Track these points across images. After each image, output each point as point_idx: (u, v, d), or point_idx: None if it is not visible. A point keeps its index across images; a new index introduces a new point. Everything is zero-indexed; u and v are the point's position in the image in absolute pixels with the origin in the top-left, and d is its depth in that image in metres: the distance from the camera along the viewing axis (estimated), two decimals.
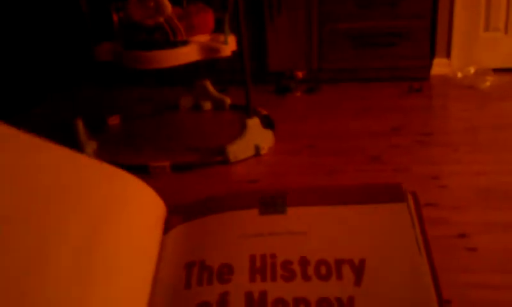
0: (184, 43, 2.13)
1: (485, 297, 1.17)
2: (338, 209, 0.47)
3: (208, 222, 0.48)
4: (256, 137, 2.17)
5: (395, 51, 3.06)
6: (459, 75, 3.04)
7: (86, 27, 2.32)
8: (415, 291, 0.40)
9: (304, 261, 0.43)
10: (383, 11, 3.00)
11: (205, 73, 2.83)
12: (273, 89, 3.05)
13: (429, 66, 3.11)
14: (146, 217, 0.50)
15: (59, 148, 0.50)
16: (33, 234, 0.40)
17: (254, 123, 2.17)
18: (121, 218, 0.47)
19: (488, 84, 2.89)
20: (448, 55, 3.17)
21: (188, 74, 2.77)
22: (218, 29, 2.27)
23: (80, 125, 2.25)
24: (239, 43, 2.16)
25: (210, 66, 2.90)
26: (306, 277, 0.42)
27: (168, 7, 2.08)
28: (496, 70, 3.00)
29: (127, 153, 2.26)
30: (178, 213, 0.51)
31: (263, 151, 2.15)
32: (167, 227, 0.50)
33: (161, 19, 2.09)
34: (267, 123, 2.41)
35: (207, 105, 2.80)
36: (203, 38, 2.22)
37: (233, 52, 2.19)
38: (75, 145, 2.22)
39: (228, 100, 2.77)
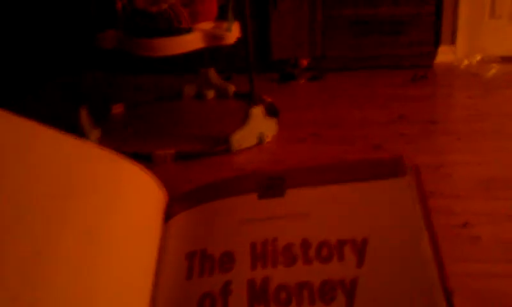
0: (188, 30, 2.12)
1: (488, 287, 1.17)
2: (338, 188, 0.47)
3: (208, 210, 0.48)
4: (260, 125, 2.16)
5: (400, 38, 3.04)
6: (464, 62, 3.02)
7: (89, 14, 2.31)
8: (417, 268, 0.39)
9: (305, 244, 0.43)
10: None
11: (208, 61, 2.82)
12: (277, 77, 3.04)
13: (433, 53, 3.10)
14: (147, 204, 0.50)
15: (61, 135, 0.50)
16: (35, 221, 0.40)
17: (258, 111, 2.16)
18: (122, 204, 0.46)
19: (493, 71, 2.87)
20: (453, 42, 3.15)
21: (192, 62, 2.77)
22: (222, 16, 2.26)
23: (84, 113, 2.25)
24: (243, 30, 2.15)
25: (213, 53, 2.89)
26: (307, 261, 0.42)
27: None
28: (502, 58, 2.98)
29: (130, 142, 2.27)
30: (179, 201, 0.51)
31: (267, 140, 2.15)
32: (168, 215, 0.50)
33: (165, 6, 2.08)
34: (271, 111, 2.41)
35: (211, 94, 2.80)
36: (207, 25, 2.21)
37: (237, 40, 2.18)
38: (79, 133, 2.22)
39: (231, 88, 2.76)
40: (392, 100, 2.55)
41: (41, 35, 3.02)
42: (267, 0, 3.04)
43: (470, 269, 1.24)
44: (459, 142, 2.03)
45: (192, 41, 2.12)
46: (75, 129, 2.19)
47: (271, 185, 0.50)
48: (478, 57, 3.03)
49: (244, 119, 2.15)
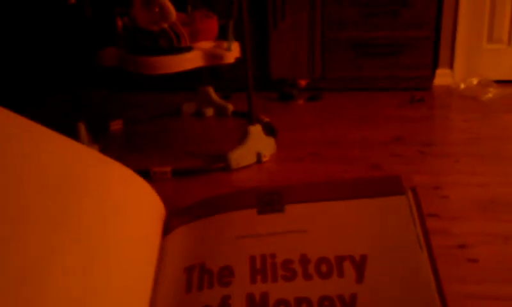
0: (188, 49, 2.14)
1: None
2: (337, 204, 0.47)
3: (208, 225, 0.48)
4: (258, 144, 2.17)
5: (398, 61, 3.06)
6: (462, 86, 3.04)
7: (89, 31, 2.33)
8: (416, 286, 0.39)
9: (304, 260, 0.43)
10: (386, 21, 3.00)
11: (208, 80, 2.84)
12: (276, 96, 3.06)
13: (431, 76, 3.12)
14: (147, 215, 0.50)
15: (66, 140, 0.50)
16: (33, 230, 0.39)
17: (256, 130, 2.17)
18: (122, 214, 0.46)
19: (490, 95, 2.89)
20: (451, 66, 3.18)
21: (191, 80, 2.78)
22: (222, 35, 2.28)
23: (83, 129, 2.25)
24: (243, 50, 2.16)
25: (213, 72, 2.91)
26: (307, 276, 0.42)
27: (173, 13, 2.09)
28: (499, 82, 3.01)
29: (128, 158, 2.27)
30: (178, 216, 0.51)
31: (265, 159, 2.15)
32: (167, 229, 0.50)
33: (166, 25, 2.10)
34: (269, 130, 2.41)
35: (209, 112, 2.80)
36: (207, 45, 2.22)
37: (237, 59, 2.20)
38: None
39: (230, 107, 2.77)
40: (389, 122, 2.57)
41: (41, 52, 3.03)
42: (267, 20, 3.07)
43: (468, 291, 1.24)
44: (457, 165, 2.04)
45: (192, 60, 2.14)
46: None
47: (270, 200, 0.50)
48: (475, 81, 3.05)
49: (242, 137, 2.15)
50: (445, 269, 1.32)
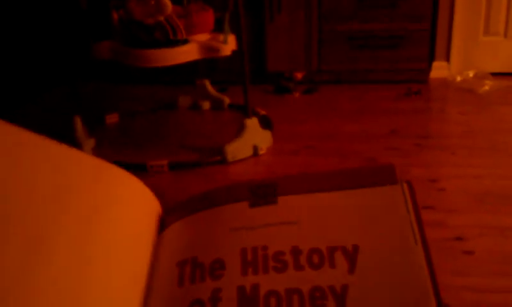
0: (184, 42, 2.13)
1: (482, 300, 1.17)
2: (330, 195, 0.47)
3: (200, 219, 0.48)
4: (255, 137, 2.16)
5: (395, 53, 3.06)
6: (458, 78, 3.04)
7: (84, 24, 2.32)
8: (409, 277, 0.39)
9: (296, 251, 0.42)
10: (382, 13, 3.00)
11: (204, 73, 2.83)
12: (272, 89, 3.06)
13: (428, 69, 3.12)
14: (140, 214, 0.50)
15: (55, 144, 0.50)
16: (28, 229, 0.39)
17: (252, 123, 2.17)
18: (115, 215, 0.46)
19: (486, 88, 2.89)
20: (447, 58, 3.18)
21: (187, 73, 2.77)
22: (218, 28, 2.27)
23: (79, 123, 2.24)
24: (239, 42, 2.16)
25: (209, 65, 2.90)
26: (298, 267, 0.42)
27: (169, 6, 2.08)
28: (495, 74, 3.01)
29: (125, 151, 2.26)
30: (172, 212, 0.51)
31: (261, 152, 2.15)
32: (162, 226, 0.50)
33: (161, 18, 2.09)
34: (266, 123, 2.41)
35: (206, 105, 2.80)
36: (203, 37, 2.22)
37: (233, 52, 2.19)
38: (73, 142, 2.21)
39: (226, 100, 2.77)
40: (386, 114, 2.57)
41: (37, 46, 3.02)
42: (264, 13, 3.06)
43: (463, 283, 1.24)
44: (453, 157, 2.04)
45: (188, 53, 2.13)
46: (69, 138, 2.18)
47: (263, 193, 0.50)
48: (472, 73, 3.05)
49: (238, 130, 2.15)
50: (441, 261, 1.32)
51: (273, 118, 2.50)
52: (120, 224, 0.47)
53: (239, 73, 2.15)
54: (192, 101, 2.83)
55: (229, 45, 2.16)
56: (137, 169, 1.99)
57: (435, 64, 3.17)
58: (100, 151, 2.24)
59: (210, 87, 2.82)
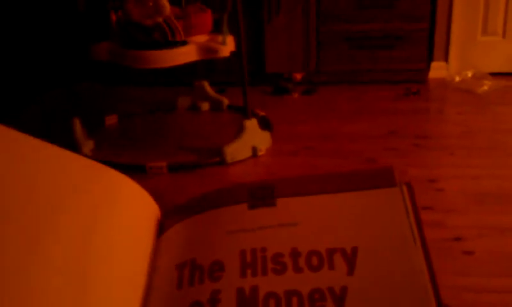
0: (183, 43, 2.13)
1: (482, 301, 1.17)
2: (329, 197, 0.47)
3: (199, 221, 0.48)
4: (254, 138, 2.16)
5: (393, 54, 3.06)
6: (457, 78, 3.05)
7: (83, 25, 2.32)
8: (408, 279, 0.39)
9: (295, 253, 0.42)
10: (381, 14, 3.00)
11: (203, 74, 2.83)
12: (271, 90, 3.06)
13: (426, 69, 3.12)
14: (138, 218, 0.50)
15: (52, 147, 0.50)
16: (25, 234, 0.39)
17: (251, 124, 2.17)
18: (113, 219, 0.46)
19: (485, 88, 2.89)
20: (446, 58, 3.18)
21: (186, 74, 2.77)
22: (216, 29, 2.27)
23: (78, 124, 2.24)
24: (237, 43, 2.16)
25: (208, 66, 2.90)
26: (297, 269, 0.42)
27: (167, 7, 2.08)
28: (494, 74, 3.01)
29: (123, 153, 2.26)
30: (171, 215, 0.51)
31: (260, 153, 2.15)
32: (161, 229, 0.50)
33: (160, 19, 2.09)
34: (265, 124, 2.41)
35: (205, 106, 2.80)
36: (202, 39, 2.22)
37: (232, 53, 2.19)
38: (73, 144, 2.21)
39: (225, 101, 2.77)
40: (384, 115, 2.57)
41: (35, 47, 3.02)
42: (262, 14, 3.06)
43: (463, 283, 1.24)
44: (452, 157, 2.05)
45: (186, 54, 2.13)
46: (69, 140, 2.18)
47: (262, 195, 0.50)
48: (470, 74, 3.05)
49: (237, 131, 2.15)
50: (441, 262, 1.32)
51: (272, 119, 2.50)
52: (118, 227, 0.47)
53: (237, 74, 2.15)
54: (191, 102, 2.83)
55: (228, 46, 2.16)
56: (136, 170, 1.99)
57: (433, 64, 3.17)
58: (99, 153, 2.24)
59: (209, 89, 2.82)
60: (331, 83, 3.14)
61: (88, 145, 2.27)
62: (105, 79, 3.29)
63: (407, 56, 3.06)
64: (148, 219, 0.50)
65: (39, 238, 0.40)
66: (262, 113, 2.57)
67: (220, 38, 2.18)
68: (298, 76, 3.12)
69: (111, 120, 2.66)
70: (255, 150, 2.14)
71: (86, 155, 2.18)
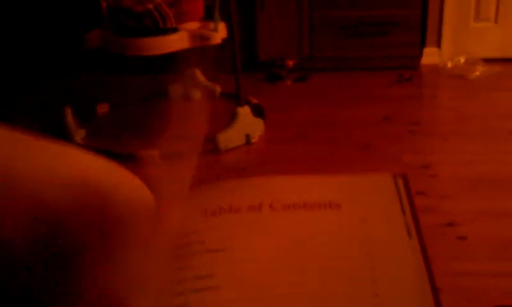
0: (174, 30, 2.11)
1: (476, 285, 1.17)
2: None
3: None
4: (247, 125, 2.16)
5: (386, 40, 3.05)
6: (449, 64, 3.04)
7: (75, 13, 2.29)
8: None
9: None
10: (374, 0, 2.99)
11: (194, 61, 2.81)
12: (264, 77, 3.04)
13: (419, 55, 3.11)
14: (133, 207, 0.50)
15: (45, 142, 0.51)
16: None
17: (244, 111, 2.16)
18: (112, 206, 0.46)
19: (477, 73, 2.89)
20: (438, 44, 3.17)
21: (178, 62, 2.75)
22: (208, 16, 2.25)
23: (69, 113, 2.22)
24: (229, 30, 2.14)
25: (200, 54, 2.88)
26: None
27: None
28: (486, 60, 3.01)
29: (115, 142, 2.24)
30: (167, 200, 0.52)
31: (253, 140, 2.15)
32: (156, 217, 0.50)
33: (150, 6, 2.07)
34: (258, 111, 2.40)
35: (197, 94, 2.78)
36: (193, 25, 2.20)
37: (223, 40, 2.18)
38: (64, 133, 2.20)
39: (218, 89, 2.75)
40: (378, 101, 2.56)
41: (26, 36, 2.99)
42: (254, 0, 3.04)
43: (456, 268, 1.25)
44: (445, 143, 2.05)
45: (178, 41, 2.11)
46: (60, 129, 2.16)
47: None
48: (463, 59, 3.05)
49: (231, 119, 2.14)
50: (435, 247, 1.32)
51: (265, 106, 2.49)
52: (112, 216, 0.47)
53: (230, 61, 2.14)
54: (183, 90, 2.81)
55: (219, 33, 2.14)
56: (127, 159, 1.97)
57: (426, 50, 3.16)
58: (90, 142, 2.23)
59: (200, 76, 2.80)
60: (324, 70, 3.12)
61: (80, 134, 2.25)
62: (96, 68, 3.26)
63: (399, 42, 3.05)
64: (142, 207, 0.51)
65: None
66: (255, 100, 2.56)
67: (212, 25, 2.16)
68: (291, 63, 3.11)
69: (103, 109, 2.64)
70: (248, 138, 2.13)
71: (77, 144, 2.16)
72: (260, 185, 0.51)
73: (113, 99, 2.74)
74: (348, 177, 0.50)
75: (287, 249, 0.43)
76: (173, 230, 0.49)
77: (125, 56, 2.14)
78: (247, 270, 0.43)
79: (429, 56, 3.16)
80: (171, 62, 2.77)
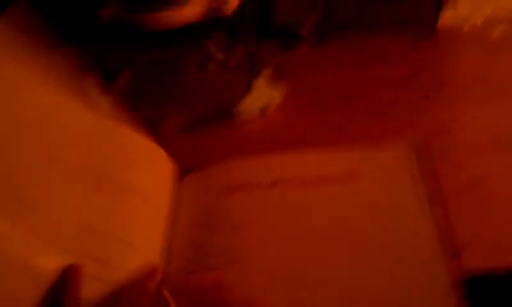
0: (184, 2, 2.10)
1: (499, 238, 1.17)
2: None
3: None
4: (264, 94, 2.15)
5: (402, 2, 3.00)
6: (468, 26, 2.98)
7: None
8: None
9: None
10: None
11: (209, 33, 2.79)
12: (280, 44, 3.01)
13: (436, 17, 3.05)
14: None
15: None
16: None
17: (261, 80, 2.15)
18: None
19: (497, 34, 2.83)
20: (456, 5, 3.11)
21: (192, 33, 2.73)
22: None
23: (92, 81, 2.23)
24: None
25: (214, 24, 2.86)
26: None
27: None
28: (508, 18, 2.94)
29: (135, 112, 2.25)
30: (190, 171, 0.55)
31: (271, 109, 2.14)
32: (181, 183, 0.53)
33: None
34: (273, 81, 2.39)
35: (212, 65, 2.77)
36: None
37: (237, 8, 2.15)
38: (88, 100, 2.21)
39: (234, 58, 2.74)
40: (395, 66, 2.52)
41: (46, 6, 2.99)
42: None
43: (481, 226, 1.24)
44: (466, 105, 2.02)
45: (190, 14, 2.10)
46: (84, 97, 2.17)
47: None
48: (482, 20, 2.98)
49: (246, 90, 2.13)
50: (458, 209, 1.31)
51: (281, 75, 2.47)
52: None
53: (246, 29, 2.12)
54: (199, 61, 2.80)
55: (234, 1, 2.12)
56: (148, 129, 1.99)
57: (444, 12, 3.09)
58: (114, 110, 2.24)
59: (215, 48, 2.78)
60: (341, 34, 3.08)
61: (105, 101, 2.26)
62: (112, 41, 3.26)
63: (416, 5, 2.99)
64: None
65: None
66: (270, 70, 2.54)
67: None
68: (307, 28, 3.06)
69: (123, 80, 2.64)
70: (264, 107, 2.12)
71: (104, 110, 2.18)
72: (277, 162, 0.52)
73: (130, 70, 2.73)
74: (364, 150, 0.50)
75: (304, 224, 0.43)
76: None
77: (139, 31, 2.14)
78: (269, 246, 0.43)
79: (447, 18, 3.09)
80: (186, 34, 2.75)
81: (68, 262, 0.36)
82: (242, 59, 2.68)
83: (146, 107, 2.34)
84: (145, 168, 0.54)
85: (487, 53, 2.59)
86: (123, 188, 0.47)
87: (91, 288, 0.37)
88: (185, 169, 0.91)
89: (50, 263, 0.34)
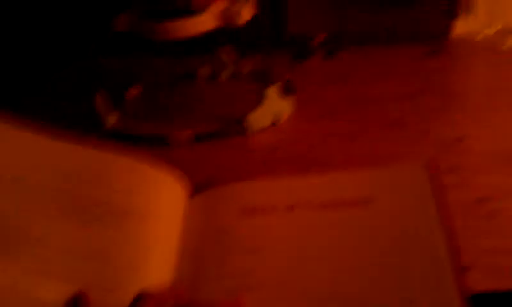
0: (201, 11, 2.11)
1: (504, 264, 1.16)
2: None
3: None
4: (276, 105, 2.16)
5: (415, 11, 2.99)
6: (482, 35, 2.97)
7: None
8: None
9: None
10: None
11: (223, 41, 2.81)
12: (292, 54, 3.02)
13: (449, 26, 3.04)
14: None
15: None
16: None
17: (273, 91, 2.16)
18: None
19: (510, 44, 2.81)
20: (470, 13, 3.09)
21: (205, 43, 2.75)
22: None
23: (102, 97, 2.26)
24: (258, 8, 2.13)
25: (228, 33, 2.88)
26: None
27: None
28: None
29: (146, 125, 2.28)
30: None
31: (282, 119, 2.15)
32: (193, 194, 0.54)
33: None
34: (287, 90, 2.40)
35: (225, 74, 2.79)
36: (221, 6, 2.19)
37: (251, 18, 2.17)
38: (96, 117, 2.24)
39: (246, 68, 2.75)
40: (408, 76, 2.52)
41: (55, 21, 3.03)
42: None
43: (485, 245, 1.23)
44: (477, 117, 2.01)
45: (205, 22, 2.12)
46: (92, 114, 2.20)
47: None
48: (496, 29, 2.97)
49: (259, 99, 2.14)
50: (463, 224, 1.31)
51: (294, 85, 2.48)
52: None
53: (258, 39, 2.14)
54: (211, 71, 2.82)
55: (247, 12, 2.14)
56: (159, 141, 2.01)
57: (457, 21, 3.08)
58: (122, 125, 2.26)
59: (228, 56, 2.80)
60: (353, 45, 3.08)
61: (112, 118, 2.29)
62: (126, 51, 3.29)
63: (429, 14, 2.98)
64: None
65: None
66: (283, 79, 2.55)
67: (239, 4, 2.15)
68: (320, 38, 3.07)
69: (134, 92, 2.67)
70: (277, 117, 2.14)
71: (111, 127, 2.20)
72: (293, 185, 0.53)
73: (144, 82, 2.76)
74: (378, 170, 0.51)
75: (322, 248, 0.44)
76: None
77: (153, 40, 2.16)
78: (283, 270, 0.45)
79: (461, 27, 3.08)
80: (200, 43, 2.78)
81: (72, 291, 0.38)
82: (254, 70, 2.69)
83: (157, 118, 2.36)
84: (149, 191, 0.56)
85: (500, 64, 2.58)
86: (125, 214, 0.49)
87: None
88: (196, 182, 0.92)
89: (53, 294, 0.35)
